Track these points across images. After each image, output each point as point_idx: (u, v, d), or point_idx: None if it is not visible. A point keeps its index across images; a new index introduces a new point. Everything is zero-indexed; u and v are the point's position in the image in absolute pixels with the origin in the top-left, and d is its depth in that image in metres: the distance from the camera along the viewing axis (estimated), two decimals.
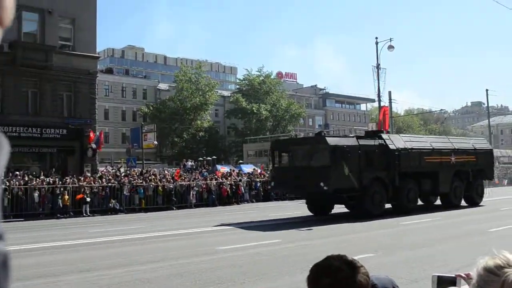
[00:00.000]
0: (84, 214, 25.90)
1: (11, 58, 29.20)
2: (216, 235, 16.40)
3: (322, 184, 19.85)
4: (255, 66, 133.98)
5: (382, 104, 44.90)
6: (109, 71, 73.33)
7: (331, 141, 21.04)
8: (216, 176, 34.40)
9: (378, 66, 43.10)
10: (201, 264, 11.06)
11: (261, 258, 11.68)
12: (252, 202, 33.61)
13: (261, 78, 73.65)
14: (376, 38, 42.85)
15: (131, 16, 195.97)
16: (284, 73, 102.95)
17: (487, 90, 64.79)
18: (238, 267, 10.64)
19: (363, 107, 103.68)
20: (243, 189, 33.69)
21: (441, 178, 24.59)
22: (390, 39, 42.38)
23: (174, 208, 29.18)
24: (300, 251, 12.50)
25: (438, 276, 2.31)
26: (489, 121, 72.29)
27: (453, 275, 2.27)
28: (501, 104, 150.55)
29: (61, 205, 25.75)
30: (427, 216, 21.17)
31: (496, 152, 79.41)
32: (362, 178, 21.05)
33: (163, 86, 74.79)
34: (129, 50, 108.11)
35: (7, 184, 24.68)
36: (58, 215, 25.38)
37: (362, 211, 21.09)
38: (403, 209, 22.29)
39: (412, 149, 23.40)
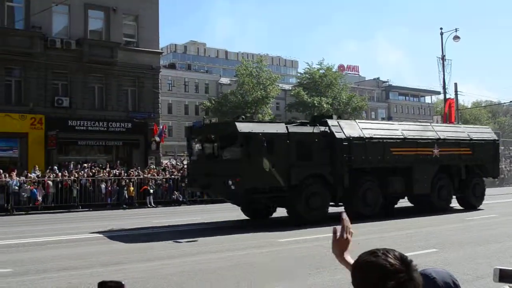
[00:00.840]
0: (148, 205, 26.57)
1: (78, 55, 30.27)
2: (277, 227, 16.41)
3: (230, 182, 15.81)
4: (316, 60, 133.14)
5: (447, 96, 43.68)
6: (172, 66, 74.79)
7: (243, 127, 16.23)
8: None
9: (443, 57, 41.91)
10: (261, 256, 11.10)
11: (324, 251, 11.61)
12: None
13: (322, 71, 73.06)
14: (441, 28, 41.70)
15: (193, 11, 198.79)
16: (346, 66, 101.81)
17: None
18: (299, 259, 10.60)
19: (427, 99, 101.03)
20: None
21: (416, 176, 19.86)
22: (456, 29, 41.17)
23: None
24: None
25: (500, 269, 2.21)
26: None
27: None
28: None
29: (126, 196, 26.53)
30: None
31: None
32: (292, 175, 16.70)
33: (224, 80, 75.49)
34: (191, 45, 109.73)
35: (76, 175, 25.64)
36: (124, 205, 26.15)
37: (293, 216, 17.19)
38: (358, 214, 16.71)
39: (370, 138, 18.65)
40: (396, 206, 21.91)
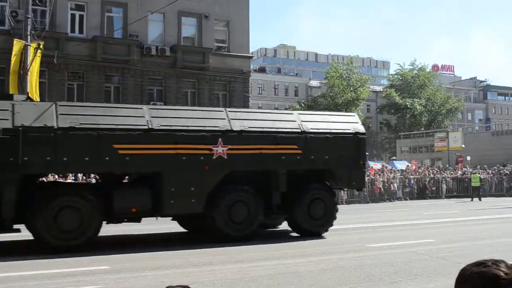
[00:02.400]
0: None
1: (172, 61, 31.35)
2: (366, 232, 16.12)
3: None
4: (408, 60, 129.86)
5: None
6: (262, 70, 75.73)
7: None
8: (368, 173, 33.87)
9: None
10: (351, 260, 10.94)
11: (415, 258, 11.26)
12: (406, 199, 32.60)
13: (415, 71, 71.05)
14: None
15: (282, 14, 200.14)
16: (440, 66, 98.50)
17: None
18: (389, 265, 10.36)
19: None
20: (396, 186, 32.78)
21: (168, 186, 12.78)
22: None
23: None
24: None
25: None
26: None
27: None
28: None
29: None
30: None
31: None
32: None
33: (314, 83, 75.37)
34: (281, 49, 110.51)
35: None
36: None
37: None
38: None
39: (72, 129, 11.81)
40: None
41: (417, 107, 67.37)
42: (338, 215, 15.39)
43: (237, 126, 13.60)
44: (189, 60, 31.87)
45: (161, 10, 29.63)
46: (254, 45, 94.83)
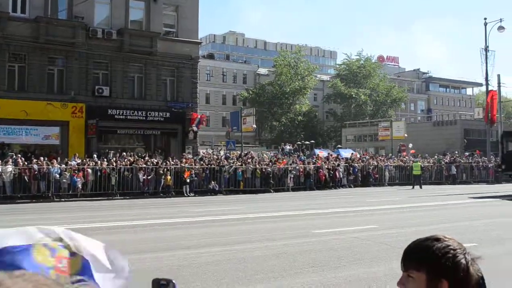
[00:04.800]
0: (185, 194, 26.85)
1: (119, 45, 30.71)
2: (312, 218, 16.38)
3: None
4: (355, 51, 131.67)
5: (490, 88, 42.66)
6: (210, 56, 75.20)
7: None
8: (314, 160, 34.37)
9: (486, 49, 40.93)
10: (297, 246, 11.09)
11: (359, 243, 11.52)
12: (350, 187, 33.26)
13: (361, 62, 72.28)
14: (485, 19, 40.64)
15: (231, 1, 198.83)
16: (385, 57, 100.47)
17: None
18: (333, 250, 10.57)
19: (469, 91, 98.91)
20: (341, 174, 33.39)
21: None
22: (500, 19, 40.05)
23: (272, 191, 29.52)
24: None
25: None
26: None
27: None
28: None
29: (164, 185, 26.87)
30: None
31: None
32: None
33: (262, 70, 75.47)
34: (230, 35, 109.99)
35: (115, 164, 26.07)
36: (161, 194, 26.51)
37: None
38: None
39: None
40: None
41: (362, 96, 68.64)
42: (284, 202, 15.68)
43: None
44: (136, 44, 31.29)
45: None
46: (203, 31, 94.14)
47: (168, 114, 32.12)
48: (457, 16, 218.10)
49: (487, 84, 42.25)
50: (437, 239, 1.68)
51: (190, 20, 33.81)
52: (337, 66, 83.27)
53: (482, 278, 1.62)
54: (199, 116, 33.20)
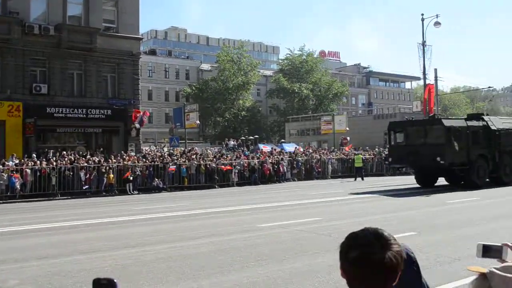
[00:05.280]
0: (129, 192, 26.47)
1: (56, 41, 29.84)
2: (257, 213, 16.48)
3: (438, 159, 23.40)
4: (298, 46, 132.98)
5: (427, 82, 44.00)
6: (152, 52, 74.26)
7: (446, 122, 24.76)
8: (258, 155, 34.55)
9: (423, 43, 42.16)
10: (243, 241, 11.15)
11: (303, 236, 11.69)
12: (294, 180, 33.64)
13: (303, 57, 73.08)
14: (422, 14, 41.88)
15: None
16: (327, 52, 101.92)
17: None
18: (279, 243, 10.69)
19: (407, 85, 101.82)
20: (285, 168, 33.71)
21: None
22: (437, 15, 41.35)
23: (217, 187, 29.50)
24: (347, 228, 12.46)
25: (484, 245, 2.24)
26: None
27: (500, 244, 2.20)
28: None
29: (106, 184, 26.39)
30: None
31: None
32: (470, 154, 24.35)
33: (205, 66, 75.13)
34: (172, 31, 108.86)
35: (55, 163, 25.38)
36: (104, 193, 26.02)
37: (469, 182, 24.27)
38: (501, 182, 25.29)
39: (509, 129, 26.12)
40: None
41: (304, 91, 69.44)
42: (229, 196, 15.72)
43: None
44: (75, 40, 30.50)
45: None
46: (144, 26, 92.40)
47: (109, 112, 31.53)
48: (393, 12, 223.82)
49: (424, 78, 43.51)
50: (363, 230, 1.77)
51: (131, 15, 33.23)
52: (280, 61, 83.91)
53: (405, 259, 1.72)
54: (141, 113, 32.74)
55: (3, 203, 22.72)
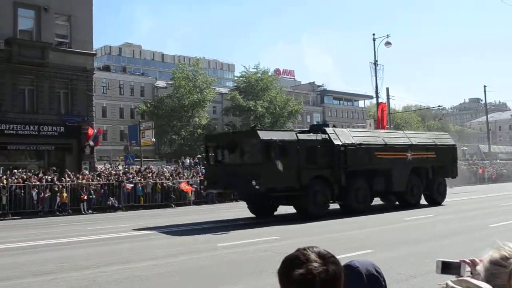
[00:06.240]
0: (83, 212, 25.82)
1: (7, 55, 29.07)
2: (215, 231, 16.32)
3: (254, 182, 18.01)
4: (253, 63, 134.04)
5: (380, 100, 44.87)
6: (106, 68, 73.31)
7: (264, 135, 19.10)
8: None
9: (375, 63, 43.02)
10: (200, 261, 10.99)
11: (263, 254, 11.61)
12: None
13: (258, 75, 73.53)
14: (374, 34, 42.78)
15: (125, 12, 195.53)
16: (282, 70, 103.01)
17: (485, 86, 65.11)
18: (237, 263, 10.57)
19: (361, 103, 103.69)
20: None
21: (395, 176, 22.75)
22: (387, 35, 42.31)
23: (173, 206, 29.14)
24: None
25: (443, 262, 2.33)
26: (487, 118, 72.52)
27: (458, 261, 2.27)
28: (499, 101, 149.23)
29: (59, 203, 25.67)
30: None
31: (495, 149, 79.77)
32: (302, 176, 19.24)
33: (160, 83, 74.59)
34: (126, 47, 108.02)
35: (5, 181, 24.55)
36: (57, 213, 25.30)
37: (302, 212, 19.59)
38: (351, 210, 20.59)
39: (360, 144, 21.47)
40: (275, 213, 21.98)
41: (259, 108, 69.77)
42: (185, 216, 15.56)
43: (413, 141, 24.14)
44: (26, 55, 29.76)
45: None
46: (98, 42, 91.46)
47: (62, 129, 30.80)
48: (344, 31, 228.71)
49: (377, 97, 44.31)
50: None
51: (84, 30, 32.71)
52: (236, 78, 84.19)
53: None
54: (95, 131, 32.14)
55: None
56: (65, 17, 32.29)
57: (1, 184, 24.39)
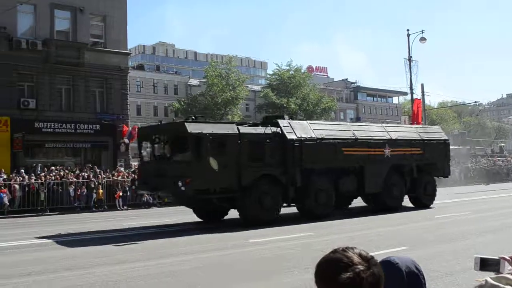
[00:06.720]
0: (118, 208, 26.26)
1: (44, 56, 29.75)
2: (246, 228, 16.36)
3: (180, 183, 15.50)
4: (285, 61, 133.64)
5: (414, 97, 44.30)
6: (140, 67, 74.28)
7: (193, 128, 16.11)
8: None
9: (410, 59, 42.51)
10: (229, 256, 11.05)
11: (296, 251, 11.61)
12: None
13: (291, 72, 73.34)
14: (408, 30, 42.30)
15: (158, 11, 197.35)
16: (314, 67, 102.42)
17: None
18: (269, 259, 10.59)
19: (395, 100, 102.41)
20: None
21: (368, 175, 20.01)
22: (422, 31, 41.76)
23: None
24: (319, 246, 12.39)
25: (481, 258, 2.25)
26: None
27: (497, 257, 2.21)
28: None
29: (95, 199, 26.19)
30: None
31: None
32: (243, 176, 16.62)
33: (193, 81, 75.14)
34: (160, 46, 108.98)
35: (43, 178, 25.15)
36: (93, 209, 25.80)
37: (246, 216, 16.95)
38: (310, 214, 18.06)
39: (322, 139, 18.72)
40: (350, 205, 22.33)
41: (292, 106, 69.59)
42: None
43: (392, 136, 21.36)
44: (63, 55, 30.39)
45: (32, 1, 28.09)
46: (132, 41, 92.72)
47: (98, 127, 31.39)
48: (377, 27, 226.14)
49: (411, 93, 43.78)
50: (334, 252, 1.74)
51: (118, 30, 33.25)
52: (268, 76, 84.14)
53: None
54: (130, 128, 32.63)
55: None
56: (100, 18, 32.87)
57: (40, 181, 25.01)
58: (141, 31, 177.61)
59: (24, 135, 27.91)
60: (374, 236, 13.85)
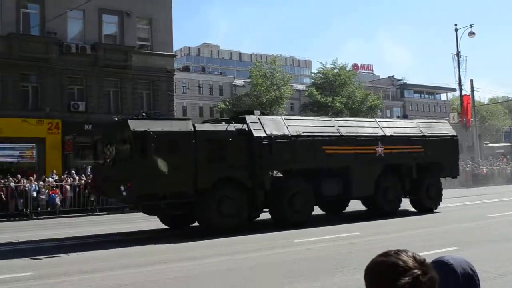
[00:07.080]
0: None
1: (93, 59, 30.48)
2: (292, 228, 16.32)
3: (122, 188, 13.94)
4: (330, 59, 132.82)
5: (463, 93, 43.31)
6: (185, 69, 75.25)
7: (137, 126, 14.25)
8: None
9: (458, 54, 41.60)
10: (275, 256, 11.03)
11: (343, 250, 11.52)
12: None
13: (336, 70, 72.79)
14: (456, 25, 41.44)
15: (202, 13, 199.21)
16: (360, 65, 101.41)
17: None
18: (317, 259, 10.55)
19: (443, 96, 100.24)
20: None
21: (355, 177, 17.83)
22: (471, 25, 40.80)
23: None
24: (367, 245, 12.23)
25: None
26: None
27: None
28: None
29: None
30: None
31: None
32: (200, 179, 14.81)
33: (238, 81, 75.59)
34: (205, 47, 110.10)
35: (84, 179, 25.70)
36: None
37: (203, 223, 15.49)
38: (284, 221, 16.18)
39: (297, 136, 16.74)
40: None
41: (338, 104, 69.04)
42: None
43: (386, 132, 19.07)
44: (111, 58, 31.09)
45: (81, 7, 28.80)
46: (177, 43, 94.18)
47: None
48: (422, 23, 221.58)
49: (460, 89, 42.89)
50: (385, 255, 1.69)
51: (164, 33, 33.75)
52: (313, 75, 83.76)
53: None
54: None
55: (44, 218, 23.16)
56: (146, 21, 33.45)
57: (90, 181, 25.60)
58: (186, 33, 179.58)
59: (74, 137, 28.68)
60: (425, 235, 13.61)
